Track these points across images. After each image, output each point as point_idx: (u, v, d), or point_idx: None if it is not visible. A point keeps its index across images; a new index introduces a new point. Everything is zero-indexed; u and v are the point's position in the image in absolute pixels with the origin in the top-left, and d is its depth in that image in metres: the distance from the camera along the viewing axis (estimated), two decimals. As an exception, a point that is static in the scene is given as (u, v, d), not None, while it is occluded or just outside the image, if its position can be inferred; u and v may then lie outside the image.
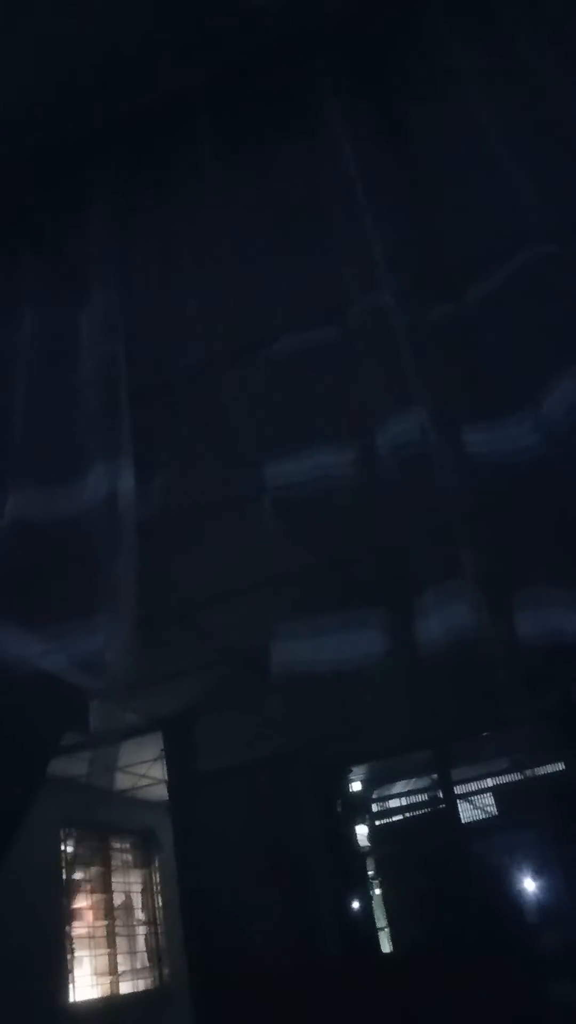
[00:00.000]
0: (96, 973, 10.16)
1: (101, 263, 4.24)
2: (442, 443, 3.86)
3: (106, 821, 10.81)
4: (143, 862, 11.72)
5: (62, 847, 10.03)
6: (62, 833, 10.04)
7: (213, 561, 5.12)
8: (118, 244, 4.27)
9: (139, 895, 11.61)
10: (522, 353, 4.01)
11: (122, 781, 10.52)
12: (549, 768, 9.23)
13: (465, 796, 9.50)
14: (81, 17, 3.72)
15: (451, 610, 3.86)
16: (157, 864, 11.68)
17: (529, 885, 9.18)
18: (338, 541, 5.07)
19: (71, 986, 9.44)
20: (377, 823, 9.93)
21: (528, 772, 9.25)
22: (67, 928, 9.73)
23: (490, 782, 9.67)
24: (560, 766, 9.14)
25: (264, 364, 4.14)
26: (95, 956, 10.26)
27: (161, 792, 10.01)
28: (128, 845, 11.52)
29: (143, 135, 4.24)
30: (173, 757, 9.54)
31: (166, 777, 9.67)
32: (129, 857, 11.56)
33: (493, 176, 4.00)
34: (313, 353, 4.12)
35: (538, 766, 9.26)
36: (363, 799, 9.87)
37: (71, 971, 9.56)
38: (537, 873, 9.12)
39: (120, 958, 10.63)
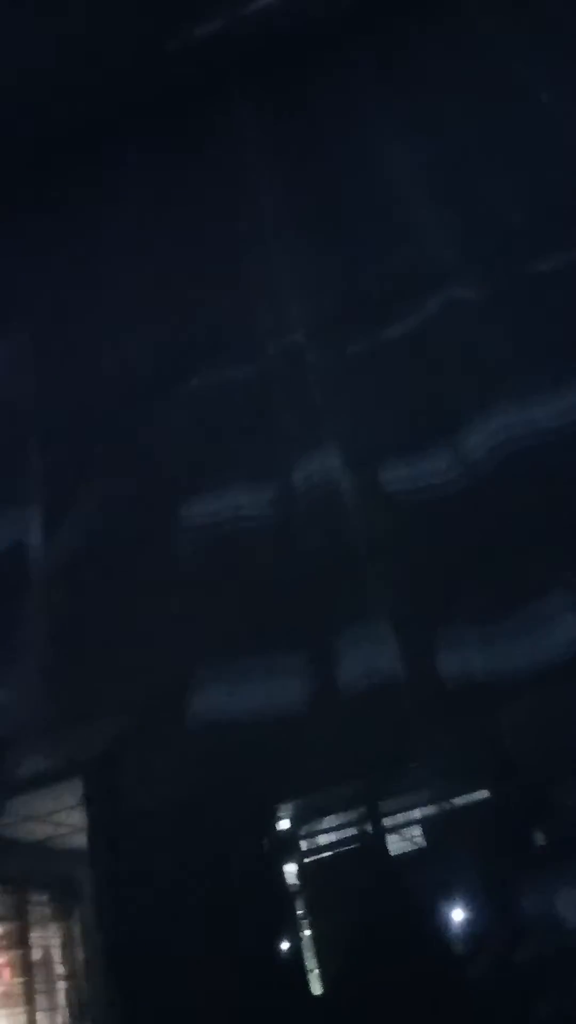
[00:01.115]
0: (14, 1035, 9.63)
1: (12, 302, 4.07)
2: (359, 479, 3.80)
3: (22, 873, 10.32)
4: (63, 914, 11.21)
5: (-25, 903, 9.51)
6: (-25, 889, 9.53)
7: (130, 598, 4.95)
8: (30, 283, 4.11)
9: (59, 949, 11.08)
10: (437, 390, 4.00)
11: (39, 830, 10.08)
12: (475, 796, 9.26)
13: (394, 829, 9.42)
14: (6, 49, 3.58)
15: (371, 650, 3.80)
16: (78, 916, 11.19)
17: (458, 915, 9.14)
18: (256, 580, 4.98)
19: (-14, 1052, 8.92)
20: (306, 860, 9.75)
21: (453, 801, 9.27)
22: (-19, 989, 9.20)
23: (418, 813, 9.61)
24: (485, 793, 9.18)
25: (179, 402, 4.03)
26: (13, 1015, 9.74)
27: (81, 840, 9.63)
28: (46, 897, 11.01)
29: (57, 172, 4.11)
30: (93, 803, 9.20)
31: (86, 824, 9.32)
32: (48, 910, 11.04)
33: (408, 220, 4.00)
34: (228, 391, 4.03)
35: (463, 795, 9.29)
36: (291, 836, 9.69)
37: (-14, 1036, 9.03)
38: (467, 903, 9.09)
39: (40, 1016, 10.11)
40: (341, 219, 3.74)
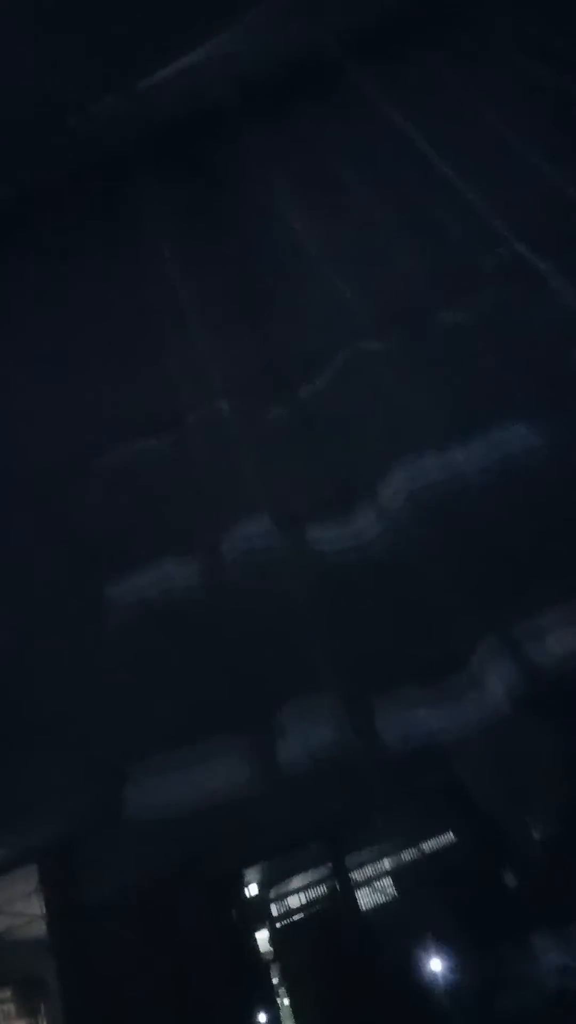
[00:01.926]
0: None
1: None
2: (289, 545, 3.75)
3: (-19, 971, 9.82)
4: (27, 1011, 10.66)
5: None
6: None
7: (66, 684, 4.77)
8: None
9: (27, 1048, 10.52)
10: (356, 446, 3.99)
11: (-4, 923, 9.62)
12: (441, 840, 9.15)
13: (364, 883, 9.23)
14: None
15: (315, 718, 3.71)
16: (43, 1011, 10.66)
17: (436, 965, 8.96)
18: (190, 657, 4.86)
19: None
20: (278, 925, 9.48)
21: (420, 848, 9.14)
22: None
23: (387, 864, 9.44)
24: (450, 836, 9.07)
25: (100, 474, 3.95)
26: None
27: (41, 930, 9.21)
28: (9, 994, 10.47)
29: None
30: (51, 890, 8.81)
31: (44, 913, 8.91)
32: (11, 1007, 10.50)
33: (314, 280, 4.03)
34: (149, 461, 3.96)
35: (429, 840, 9.18)
36: (261, 902, 9.42)
37: None
38: (445, 950, 8.92)
39: None
40: (252, 288, 3.76)
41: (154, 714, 4.17)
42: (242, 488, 3.49)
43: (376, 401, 3.65)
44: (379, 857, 9.47)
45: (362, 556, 3.60)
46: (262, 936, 9.36)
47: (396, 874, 9.43)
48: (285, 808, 7.55)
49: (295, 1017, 8.95)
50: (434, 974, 8.69)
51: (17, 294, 3.68)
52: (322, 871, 9.55)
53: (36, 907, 9.08)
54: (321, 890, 9.51)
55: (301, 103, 3.97)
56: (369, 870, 9.40)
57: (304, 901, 9.49)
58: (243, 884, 9.30)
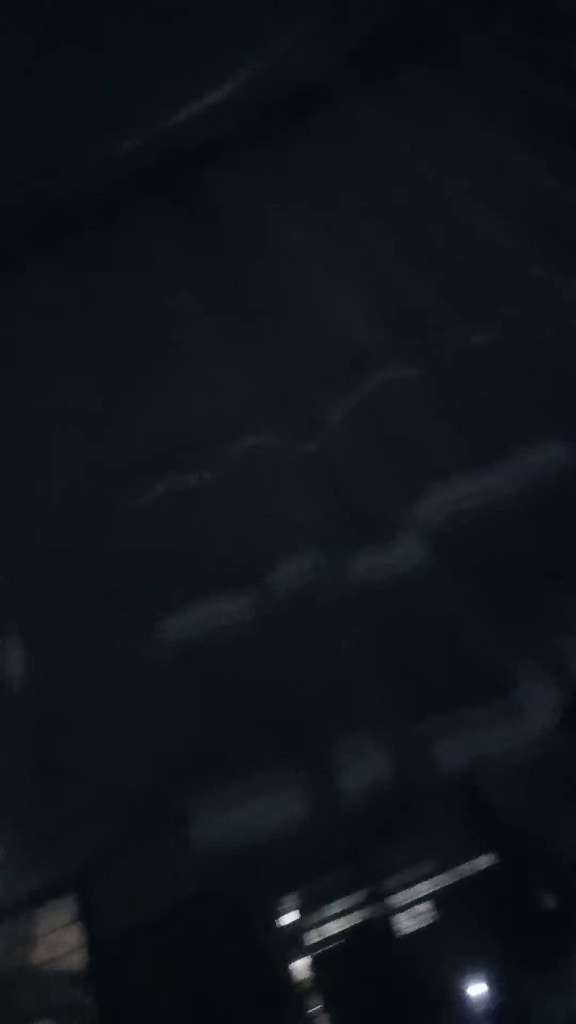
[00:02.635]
0: None
1: None
2: (332, 576, 3.82)
3: (24, 1004, 9.81)
4: (69, 1044, 10.65)
5: (-25, 1043, 9.00)
6: (-25, 1027, 9.03)
7: (114, 718, 4.85)
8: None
9: None
10: (391, 473, 4.06)
11: (37, 955, 9.64)
12: (481, 864, 9.09)
13: (402, 908, 9.18)
14: None
15: (365, 748, 3.76)
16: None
17: (477, 991, 8.88)
18: (238, 689, 4.93)
19: None
20: (315, 953, 9.43)
21: (460, 872, 9.09)
22: None
23: (425, 888, 9.39)
24: (490, 859, 9.02)
25: (140, 513, 4.04)
26: None
27: (80, 961, 9.23)
28: (51, 1026, 10.46)
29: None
30: (90, 920, 8.86)
31: (83, 943, 8.94)
32: (53, 1041, 10.48)
33: (331, 309, 4.13)
34: (188, 498, 4.05)
35: (468, 863, 9.12)
36: (297, 930, 9.38)
37: None
38: (485, 976, 8.85)
39: None
40: (269, 320, 3.87)
41: (201, 746, 4.22)
42: (283, 522, 3.57)
43: (405, 427, 3.73)
44: (418, 881, 9.43)
45: (405, 582, 3.67)
46: (299, 964, 9.32)
47: (435, 899, 9.37)
48: (323, 835, 7.57)
49: (337, 1046, 8.89)
50: (475, 1000, 8.62)
51: (37, 338, 3.81)
52: (359, 897, 9.52)
53: (76, 937, 9.11)
54: (358, 916, 9.47)
55: (299, 126, 4.12)
56: (407, 895, 9.35)
57: (341, 928, 9.44)
58: (279, 911, 9.28)
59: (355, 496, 3.81)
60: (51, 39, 3.52)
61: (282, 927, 9.28)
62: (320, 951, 9.31)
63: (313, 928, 9.57)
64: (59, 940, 9.29)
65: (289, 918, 9.29)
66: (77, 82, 3.59)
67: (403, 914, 9.38)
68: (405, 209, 3.87)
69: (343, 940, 9.38)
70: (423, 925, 9.46)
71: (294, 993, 9.11)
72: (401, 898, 9.37)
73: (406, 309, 3.71)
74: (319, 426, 3.73)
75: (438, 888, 9.38)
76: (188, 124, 3.96)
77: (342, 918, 9.56)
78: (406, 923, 9.42)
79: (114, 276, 3.84)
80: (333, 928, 9.54)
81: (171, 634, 3.63)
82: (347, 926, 9.45)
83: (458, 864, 9.17)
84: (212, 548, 3.81)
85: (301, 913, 9.44)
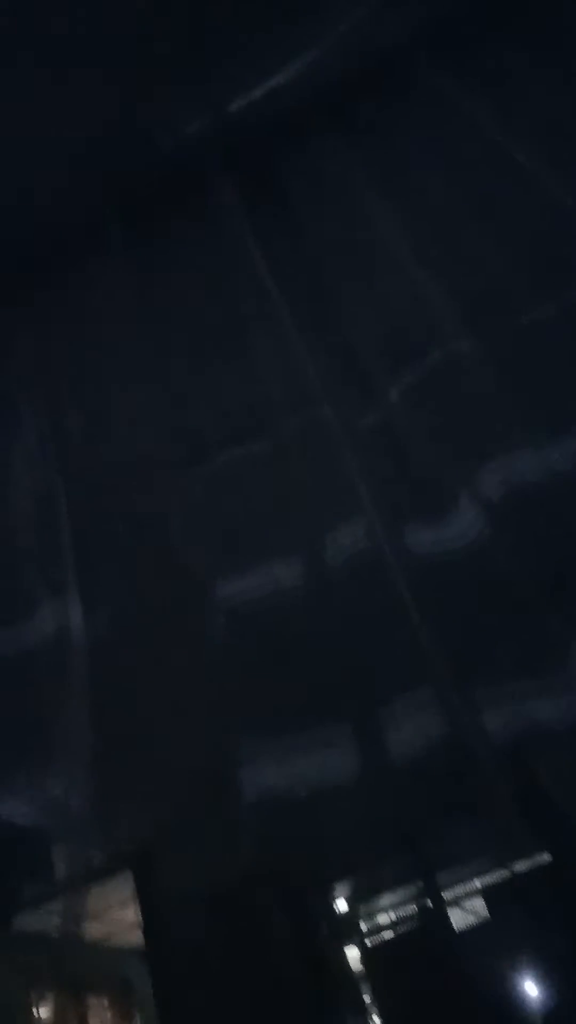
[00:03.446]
0: None
1: (29, 403, 4.29)
2: (390, 543, 3.90)
3: (81, 975, 10.08)
4: (124, 1016, 10.90)
5: (34, 1010, 9.28)
6: (32, 995, 9.31)
7: (170, 683, 4.98)
8: (47, 377, 4.33)
9: (123, 1055, 10.75)
10: (453, 448, 4.11)
11: (94, 929, 9.89)
12: (535, 860, 8.97)
13: (455, 902, 9.14)
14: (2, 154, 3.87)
15: (417, 714, 3.81)
16: (139, 1017, 10.88)
17: (532, 990, 8.78)
18: (296, 653, 5.02)
19: None
20: (368, 943, 9.46)
21: (514, 868, 8.98)
22: None
23: (478, 883, 9.33)
24: (546, 857, 8.89)
25: (202, 480, 4.18)
26: None
27: (136, 938, 9.42)
28: (107, 1000, 10.73)
29: (62, 267, 4.37)
30: (144, 899, 9.02)
31: (139, 920, 9.12)
32: (109, 1014, 10.74)
33: (399, 281, 4.19)
34: (248, 467, 4.18)
35: (522, 859, 9.00)
36: (350, 919, 9.42)
37: None
38: (539, 975, 8.74)
39: None
40: (337, 291, 3.95)
41: (259, 712, 4.33)
42: (341, 491, 3.65)
43: (468, 400, 3.77)
44: (472, 876, 9.38)
45: (462, 555, 3.70)
46: (352, 951, 9.36)
47: (489, 894, 9.30)
48: (377, 812, 7.59)
49: (387, 1036, 8.89)
50: (528, 998, 8.53)
51: (112, 308, 3.96)
52: (413, 888, 9.50)
53: (132, 914, 9.31)
54: (412, 908, 9.46)
55: (375, 100, 4.16)
56: (461, 889, 9.32)
57: (394, 918, 9.46)
58: (333, 898, 9.32)
59: (415, 467, 3.87)
60: (120, 18, 3.66)
61: (335, 914, 9.31)
62: (373, 940, 9.34)
63: (366, 917, 9.60)
64: (117, 915, 9.53)
65: (342, 905, 9.33)
66: (143, 61, 3.72)
67: (457, 908, 9.34)
68: (478, 183, 3.91)
69: (396, 930, 9.39)
70: (477, 921, 9.41)
71: (346, 979, 9.13)
72: (455, 892, 9.34)
73: (474, 284, 3.75)
74: (381, 399, 3.80)
75: (492, 883, 9.31)
76: (256, 102, 4.07)
77: (395, 909, 9.58)
78: (460, 918, 9.38)
79: (185, 257, 3.98)
80: (386, 918, 9.57)
81: (230, 597, 3.74)
82: (399, 917, 9.46)
83: (514, 861, 9.06)
84: (272, 515, 3.92)
85: (355, 901, 9.48)
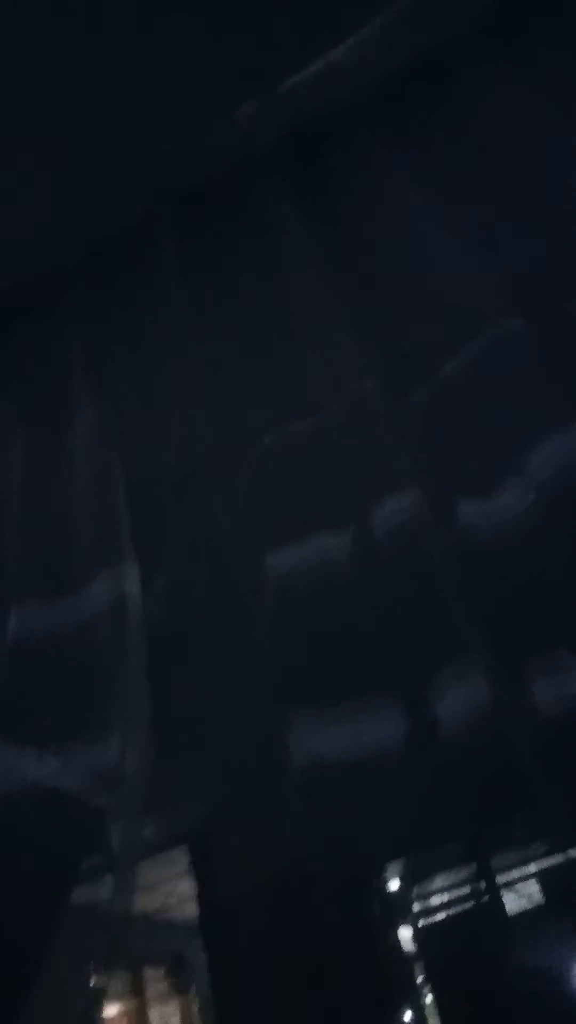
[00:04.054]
0: None
1: (86, 386, 4.39)
2: (436, 518, 3.89)
3: (137, 949, 10.31)
4: (180, 990, 11.11)
5: (91, 981, 9.51)
6: (90, 966, 9.54)
7: (223, 656, 5.06)
8: (100, 364, 4.42)
9: (179, 1027, 10.97)
10: (501, 425, 4.09)
11: (149, 903, 10.10)
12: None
13: (509, 885, 9.09)
14: (46, 157, 3.95)
15: (466, 688, 3.81)
16: (194, 991, 11.07)
17: (586, 976, 8.68)
18: (344, 627, 5.05)
19: None
20: (420, 923, 9.47)
21: (569, 853, 8.89)
22: (105, 1070, 9.15)
23: (533, 868, 9.27)
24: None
25: (250, 459, 4.23)
26: None
27: (191, 912, 9.60)
28: (162, 973, 10.95)
29: (113, 259, 4.46)
30: (199, 873, 9.17)
31: (195, 895, 9.28)
32: (164, 986, 10.97)
33: (451, 262, 4.16)
34: (298, 444, 4.21)
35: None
36: (403, 899, 9.43)
37: None
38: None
39: None
40: (385, 274, 3.95)
41: (310, 684, 4.38)
42: (389, 465, 3.67)
43: (519, 378, 3.73)
44: (526, 861, 9.31)
45: (511, 529, 3.68)
46: (405, 933, 9.38)
47: (543, 879, 9.24)
48: (430, 792, 7.59)
49: (440, 1016, 8.91)
50: (582, 983, 8.44)
51: (162, 296, 4.03)
52: (466, 871, 9.48)
53: (187, 888, 9.48)
54: (464, 890, 9.44)
55: (421, 91, 4.11)
56: (515, 873, 9.26)
57: (446, 899, 9.45)
58: (385, 879, 9.35)
59: (462, 444, 3.85)
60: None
61: (387, 894, 9.34)
62: (425, 921, 9.35)
63: (419, 899, 9.61)
64: (171, 890, 9.71)
65: (394, 886, 9.36)
66: (191, 44, 3.74)
67: (510, 892, 9.29)
68: (526, 171, 3.85)
69: (449, 912, 9.38)
70: (530, 905, 9.35)
71: (398, 960, 9.16)
72: (509, 876, 9.28)
73: (526, 267, 3.71)
74: (429, 377, 3.79)
75: (548, 867, 9.24)
76: (303, 91, 4.07)
77: (448, 891, 9.56)
78: (513, 902, 9.33)
79: (233, 244, 4.04)
80: (438, 900, 9.56)
81: (279, 571, 3.80)
82: (452, 898, 9.45)
83: (569, 844, 8.97)
84: (319, 491, 3.95)
85: (406, 883, 9.50)
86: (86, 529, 3.85)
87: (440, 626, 3.65)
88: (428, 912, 9.39)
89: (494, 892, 9.09)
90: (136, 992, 10.13)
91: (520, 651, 3.94)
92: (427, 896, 9.63)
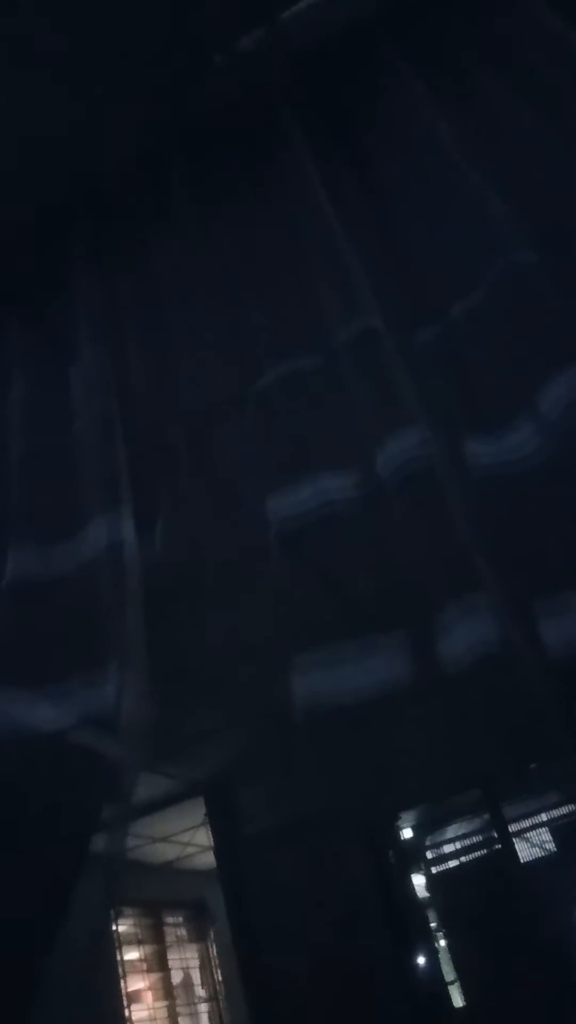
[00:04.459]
0: (161, 1058, 9.80)
1: (88, 321, 4.31)
2: (444, 456, 3.81)
3: (156, 895, 10.53)
4: (198, 935, 11.36)
5: (113, 927, 9.75)
6: (112, 912, 9.77)
7: (225, 601, 5.01)
8: (103, 301, 4.34)
9: (198, 971, 11.23)
10: (513, 361, 3.99)
11: (168, 852, 10.28)
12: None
13: (520, 834, 9.17)
14: (52, 84, 3.86)
15: (474, 624, 3.77)
16: (213, 936, 11.32)
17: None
18: (350, 567, 5.00)
19: (136, 1074, 9.10)
20: (434, 871, 9.59)
21: (583, 802, 8.91)
22: (127, 1012, 9.40)
23: (544, 817, 9.34)
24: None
25: (255, 398, 4.15)
26: (159, 1040, 9.90)
27: (209, 860, 9.77)
28: (181, 919, 11.19)
29: (120, 192, 4.37)
30: (217, 823, 9.32)
31: (212, 844, 9.44)
32: (183, 931, 11.22)
33: (464, 193, 4.03)
34: (302, 382, 4.12)
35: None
36: (416, 847, 9.55)
37: (135, 1058, 9.22)
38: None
39: (184, 1039, 10.25)
40: (399, 207, 3.84)
41: (315, 624, 4.36)
42: (396, 402, 3.60)
43: (530, 315, 3.64)
44: (538, 811, 9.38)
45: (521, 467, 3.61)
46: (418, 880, 9.51)
47: (555, 828, 9.32)
48: (440, 746, 7.63)
49: (452, 960, 9.08)
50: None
51: (166, 226, 3.95)
52: (478, 821, 9.57)
53: (205, 838, 9.64)
54: (477, 839, 9.55)
55: (444, 15, 3.93)
56: (527, 823, 9.34)
57: (459, 847, 9.56)
58: (400, 828, 9.45)
59: (472, 381, 3.76)
60: None
61: (402, 843, 9.44)
62: (439, 869, 9.47)
63: (432, 848, 9.73)
64: (191, 839, 9.88)
65: (408, 834, 9.46)
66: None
67: (522, 840, 9.37)
68: (549, 88, 3.71)
69: (462, 860, 9.50)
70: (541, 853, 9.43)
71: (412, 904, 9.28)
72: (520, 825, 9.36)
73: (544, 202, 3.60)
74: (438, 313, 3.70)
75: (561, 816, 9.30)
76: (311, 12, 3.92)
77: (461, 840, 9.67)
78: (525, 850, 9.41)
79: (243, 181, 3.94)
80: (451, 848, 9.67)
81: (282, 511, 3.75)
82: (465, 847, 9.55)
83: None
84: (324, 429, 3.89)
85: (421, 832, 9.61)
86: (86, 470, 3.82)
87: (449, 566, 3.60)
88: (442, 859, 9.50)
89: (507, 841, 9.17)
90: (157, 937, 10.36)
91: (530, 592, 3.89)
92: (440, 845, 9.74)
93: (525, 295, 3.74)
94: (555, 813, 9.37)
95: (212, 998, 11.17)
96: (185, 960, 11.08)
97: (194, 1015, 10.87)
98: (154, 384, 4.01)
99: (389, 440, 3.84)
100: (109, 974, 9.34)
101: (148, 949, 10.43)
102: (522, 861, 9.23)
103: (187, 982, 10.99)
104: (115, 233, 4.38)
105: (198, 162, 4.26)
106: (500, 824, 9.10)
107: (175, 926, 11.07)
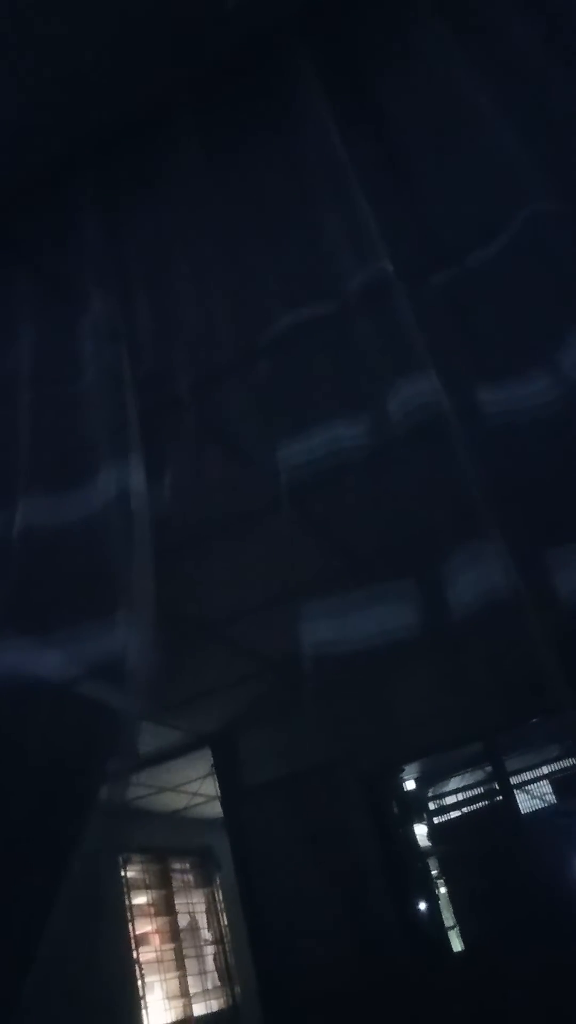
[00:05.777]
0: (168, 997, 10.08)
1: (96, 271, 4.27)
2: (456, 403, 3.79)
3: (163, 843, 10.76)
4: (204, 882, 11.63)
5: (121, 873, 9.98)
6: (120, 859, 10.00)
7: (237, 548, 5.02)
8: (111, 250, 4.30)
9: (203, 915, 11.51)
10: (530, 312, 3.95)
11: (175, 801, 10.48)
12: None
13: (521, 786, 9.30)
14: (58, 27, 3.77)
15: (480, 573, 3.79)
16: (218, 882, 11.58)
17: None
18: (359, 516, 5.01)
19: (145, 1012, 9.37)
20: (436, 821, 9.75)
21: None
22: (135, 954, 9.67)
23: (545, 769, 9.47)
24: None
25: (266, 347, 4.12)
26: (166, 980, 10.17)
27: (215, 809, 9.95)
28: (188, 865, 11.44)
29: (128, 139, 4.29)
30: (223, 772, 9.46)
31: (218, 793, 9.60)
32: (190, 877, 11.47)
33: (483, 141, 3.95)
34: (314, 329, 4.08)
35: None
36: (418, 798, 9.70)
37: (143, 997, 9.49)
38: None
39: (190, 980, 10.53)
40: (416, 154, 3.76)
41: (323, 572, 4.39)
42: (408, 350, 3.56)
43: (551, 265, 3.58)
44: (539, 763, 9.51)
45: (532, 418, 3.60)
46: (420, 830, 9.68)
47: (556, 781, 9.45)
48: (444, 698, 7.71)
49: (453, 906, 9.28)
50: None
51: (174, 175, 3.87)
52: (480, 773, 9.71)
53: (212, 788, 9.81)
54: (479, 791, 9.70)
55: None
56: (528, 775, 9.47)
57: (461, 799, 9.72)
58: (402, 779, 9.58)
59: (486, 329, 3.73)
60: None
61: (404, 793, 9.57)
62: (441, 819, 9.64)
63: (434, 799, 9.89)
64: (197, 788, 10.07)
65: (411, 785, 9.60)
66: None
67: (523, 792, 9.50)
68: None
69: (463, 811, 9.66)
70: (542, 805, 9.58)
71: (415, 854, 9.44)
72: (521, 777, 9.48)
73: (565, 148, 3.52)
74: (453, 261, 3.65)
75: (561, 769, 9.43)
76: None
77: (463, 791, 9.82)
78: (525, 801, 9.55)
79: (254, 125, 3.86)
80: (453, 799, 9.83)
81: (291, 459, 3.74)
82: (466, 798, 9.71)
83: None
84: (333, 376, 3.86)
85: (423, 783, 9.76)
86: (95, 421, 3.81)
87: (457, 515, 3.61)
88: (443, 810, 9.66)
89: (508, 792, 9.29)
90: (164, 883, 10.63)
91: (538, 541, 3.89)
92: (443, 796, 9.90)
93: (548, 246, 3.68)
94: (556, 767, 9.50)
95: (217, 941, 11.47)
96: (191, 905, 11.35)
97: (200, 957, 11.17)
98: (164, 334, 3.98)
99: (400, 388, 3.82)
100: (118, 917, 9.59)
101: (156, 894, 10.68)
102: (522, 812, 9.37)
103: (193, 926, 11.27)
104: (123, 182, 4.32)
105: (206, 106, 4.18)
106: (502, 776, 9.22)
107: (182, 872, 11.31)
